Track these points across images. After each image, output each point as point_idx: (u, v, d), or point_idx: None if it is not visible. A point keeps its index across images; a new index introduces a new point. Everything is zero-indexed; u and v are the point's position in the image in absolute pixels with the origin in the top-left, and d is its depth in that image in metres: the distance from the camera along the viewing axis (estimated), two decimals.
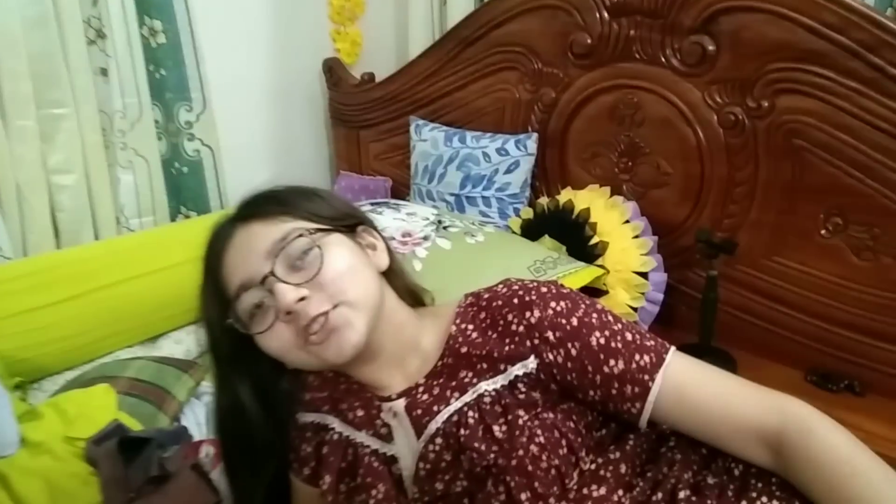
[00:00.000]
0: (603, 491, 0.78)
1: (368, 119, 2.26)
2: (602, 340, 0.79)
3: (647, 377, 0.77)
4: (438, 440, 0.81)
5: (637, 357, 0.78)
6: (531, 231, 1.78)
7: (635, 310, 1.59)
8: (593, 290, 1.59)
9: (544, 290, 0.83)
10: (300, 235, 0.80)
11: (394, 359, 0.86)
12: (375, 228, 0.92)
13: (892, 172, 1.32)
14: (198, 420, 1.43)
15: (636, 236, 1.62)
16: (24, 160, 1.74)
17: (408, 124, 2.10)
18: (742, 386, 0.79)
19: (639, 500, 0.78)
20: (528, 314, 0.81)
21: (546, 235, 1.71)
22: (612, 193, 1.70)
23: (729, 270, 1.57)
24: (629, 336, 0.80)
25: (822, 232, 1.44)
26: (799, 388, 1.48)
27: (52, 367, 1.62)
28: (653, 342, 0.81)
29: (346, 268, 0.81)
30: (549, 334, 0.80)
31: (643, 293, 1.59)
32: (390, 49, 2.45)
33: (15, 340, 1.52)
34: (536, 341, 0.80)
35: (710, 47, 1.49)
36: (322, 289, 0.78)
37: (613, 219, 1.63)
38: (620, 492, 0.78)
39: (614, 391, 0.78)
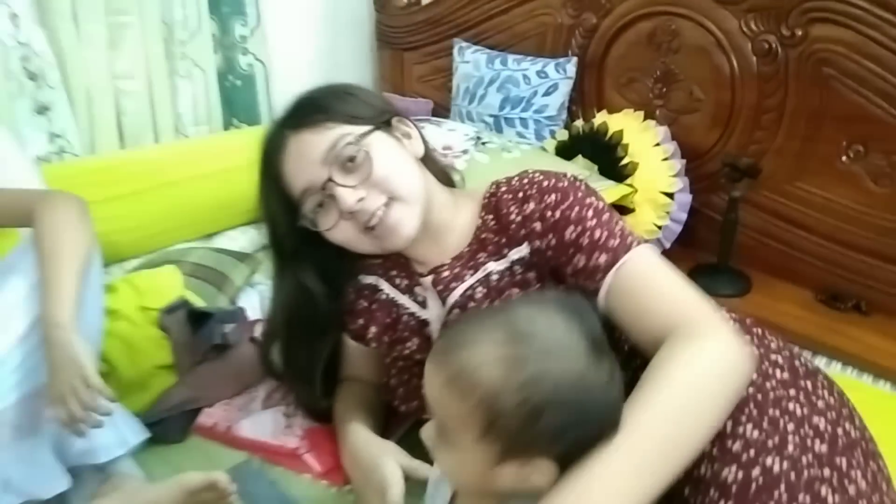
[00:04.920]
0: None
1: (413, 41, 2.33)
2: (573, 235, 0.87)
3: (599, 276, 0.84)
4: (455, 310, 0.95)
5: (596, 255, 0.85)
6: (566, 152, 1.87)
7: (660, 228, 1.69)
8: (621, 209, 1.69)
9: (545, 183, 0.92)
10: (348, 144, 0.91)
11: (433, 235, 0.98)
12: (408, 118, 1.03)
13: None
14: (252, 305, 1.57)
15: (665, 159, 1.70)
16: (94, 64, 1.85)
17: (451, 47, 2.17)
18: (675, 293, 0.82)
19: None
20: (525, 206, 0.92)
21: (579, 155, 1.80)
22: (646, 118, 1.78)
23: (752, 195, 1.65)
24: (597, 234, 0.86)
25: (843, 159, 1.52)
26: (810, 307, 1.59)
27: (119, 255, 1.76)
28: (617, 241, 0.86)
29: (392, 164, 0.93)
30: (537, 225, 0.90)
31: (668, 212, 1.69)
32: None
33: None
34: (528, 231, 0.91)
35: None
36: (376, 186, 0.91)
37: (645, 141, 1.71)
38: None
39: (581, 284, 0.87)
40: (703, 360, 0.74)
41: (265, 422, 1.18)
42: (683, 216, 1.71)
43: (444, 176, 1.07)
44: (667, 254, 1.69)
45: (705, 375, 0.73)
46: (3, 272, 1.06)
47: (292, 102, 0.98)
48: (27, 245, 1.06)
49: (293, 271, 1.03)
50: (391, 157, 0.94)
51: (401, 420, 1.09)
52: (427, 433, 0.69)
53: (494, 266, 0.94)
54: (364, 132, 0.93)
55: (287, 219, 0.97)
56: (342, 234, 0.94)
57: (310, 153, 0.92)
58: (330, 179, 0.91)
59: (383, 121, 0.97)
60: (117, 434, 1.02)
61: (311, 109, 0.95)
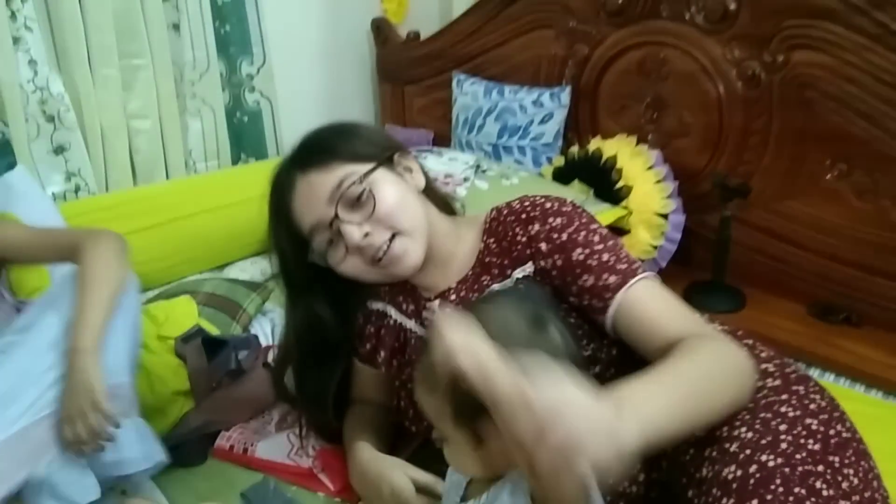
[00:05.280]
0: (597, 370, 0.95)
1: (413, 75, 2.41)
2: (581, 257, 0.93)
3: (608, 295, 0.90)
4: None
5: (605, 276, 0.91)
6: (562, 177, 1.94)
7: (655, 248, 1.75)
8: (617, 230, 1.75)
9: (548, 206, 0.99)
10: (353, 183, 0.96)
11: (438, 262, 1.04)
12: (408, 151, 1.09)
13: (893, 121, 1.45)
14: (264, 332, 1.63)
15: (658, 181, 1.77)
16: (108, 105, 1.93)
17: (450, 80, 2.25)
18: (681, 313, 0.90)
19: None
20: (530, 227, 0.97)
21: (576, 180, 1.87)
22: (638, 143, 1.85)
23: (743, 214, 1.71)
24: (605, 257, 0.92)
25: (828, 177, 1.58)
26: (802, 321, 1.63)
27: None
28: (625, 265, 0.92)
29: (395, 201, 0.98)
30: (543, 245, 0.96)
31: (663, 233, 1.75)
32: (434, 9, 2.57)
33: None
34: (533, 250, 0.97)
35: (732, 6, 1.63)
36: (380, 222, 0.96)
37: (638, 165, 1.78)
38: (612, 370, 0.95)
39: (585, 302, 0.93)
40: (717, 351, 0.83)
41: (280, 443, 1.23)
42: (678, 236, 1.77)
43: (445, 205, 1.13)
44: (662, 273, 1.75)
45: (721, 361, 0.82)
46: (47, 302, 1.13)
47: (299, 143, 1.04)
48: (67, 278, 1.14)
49: (304, 301, 1.08)
50: (394, 193, 0.98)
51: (410, 441, 1.13)
52: (436, 434, 0.75)
53: (498, 286, 0.99)
54: (368, 171, 0.98)
55: (297, 254, 1.03)
56: (350, 267, 1.00)
57: (317, 192, 0.97)
58: (336, 217, 0.96)
59: (386, 157, 1.02)
60: (144, 450, 1.07)
61: (318, 150, 1.01)
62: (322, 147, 1.01)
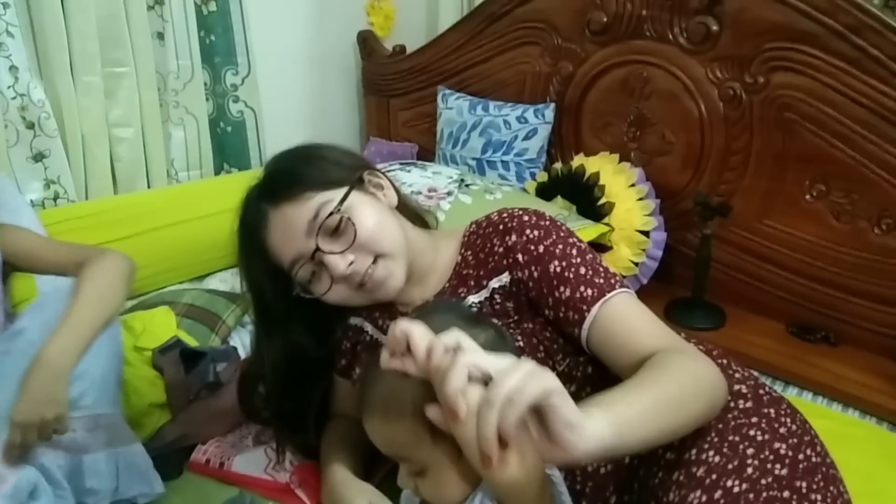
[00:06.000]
0: (573, 388, 0.94)
1: (398, 88, 2.41)
2: (558, 269, 0.92)
3: (585, 307, 0.90)
4: None
5: (582, 289, 0.90)
6: (545, 193, 1.94)
7: (636, 265, 1.76)
8: (599, 246, 1.76)
9: (525, 218, 0.98)
10: (330, 214, 0.94)
11: (415, 278, 1.03)
12: (376, 168, 1.07)
13: (871, 144, 1.48)
14: (244, 344, 1.62)
15: (640, 199, 1.78)
16: (89, 113, 1.91)
17: (435, 94, 2.26)
18: (657, 328, 0.90)
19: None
20: (507, 238, 0.97)
21: (559, 196, 1.88)
22: (621, 160, 1.86)
23: (723, 232, 1.73)
24: (583, 270, 0.92)
25: (807, 197, 1.60)
26: (781, 339, 1.65)
27: None
28: (602, 279, 0.91)
29: (373, 223, 0.96)
30: (520, 256, 0.95)
31: (644, 250, 1.76)
32: (421, 23, 2.58)
33: None
34: (510, 261, 0.96)
35: (714, 27, 1.65)
36: (362, 248, 0.95)
37: (620, 182, 1.79)
38: (588, 388, 0.94)
39: (561, 314, 0.92)
40: (689, 364, 0.82)
41: (257, 458, 1.21)
42: (659, 253, 1.78)
43: (419, 219, 1.12)
44: (644, 290, 1.76)
45: (693, 374, 0.81)
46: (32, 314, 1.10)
47: (265, 174, 1.01)
48: (60, 292, 1.11)
49: (283, 332, 1.06)
50: (371, 216, 0.97)
51: (386, 459, 1.13)
52: (402, 479, 0.74)
53: (474, 298, 0.98)
54: (342, 197, 0.96)
55: (276, 287, 1.00)
56: (336, 295, 0.98)
57: (293, 226, 0.95)
58: (318, 249, 0.94)
59: (356, 178, 1.00)
60: (125, 482, 1.07)
61: (287, 181, 0.98)
62: (291, 177, 0.98)
